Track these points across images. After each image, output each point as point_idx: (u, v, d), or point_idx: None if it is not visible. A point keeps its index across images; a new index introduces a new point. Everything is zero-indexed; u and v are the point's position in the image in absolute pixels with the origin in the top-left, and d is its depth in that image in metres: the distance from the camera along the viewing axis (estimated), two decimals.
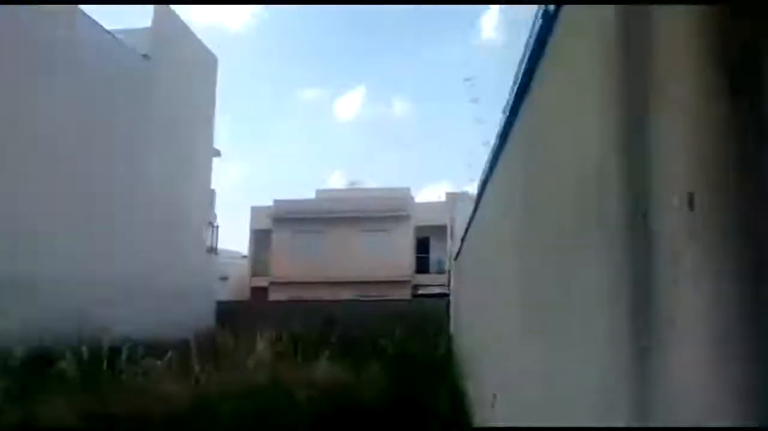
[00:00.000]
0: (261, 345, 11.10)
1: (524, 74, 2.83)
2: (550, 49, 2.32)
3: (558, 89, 2.19)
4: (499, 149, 4.34)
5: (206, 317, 20.47)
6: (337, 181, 58.58)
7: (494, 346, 4.51)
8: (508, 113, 3.62)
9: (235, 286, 30.88)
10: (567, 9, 2.01)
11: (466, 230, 9.17)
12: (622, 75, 1.39)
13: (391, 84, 55.65)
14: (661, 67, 1.14)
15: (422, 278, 29.40)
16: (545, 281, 2.28)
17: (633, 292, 1.28)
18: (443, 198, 34.16)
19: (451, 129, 56.52)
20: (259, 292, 29.58)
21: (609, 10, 1.47)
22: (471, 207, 13.74)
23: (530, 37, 4.25)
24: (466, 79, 6.37)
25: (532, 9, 2.59)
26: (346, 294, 25.12)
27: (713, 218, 0.93)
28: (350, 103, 60.08)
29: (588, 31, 1.75)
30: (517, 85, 3.37)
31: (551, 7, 2.24)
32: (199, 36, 22.46)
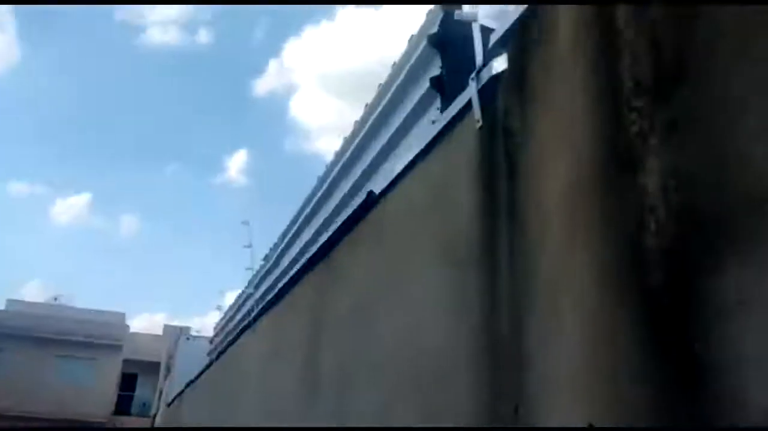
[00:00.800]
0: None
1: (333, 236, 2.83)
2: (379, 217, 2.30)
3: (390, 262, 2.13)
4: (270, 304, 4.20)
5: None
6: (34, 291, 50.09)
7: None
8: (293, 273, 3.57)
9: None
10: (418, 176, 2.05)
11: (197, 377, 8.44)
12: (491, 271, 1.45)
13: (122, 197, 51.64)
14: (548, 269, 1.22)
15: (121, 421, 25.74)
16: None
17: None
18: (160, 330, 31.56)
19: (179, 258, 53.96)
20: None
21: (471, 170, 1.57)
22: (200, 348, 12.86)
23: (305, 194, 4.35)
24: (243, 222, 6.04)
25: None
26: None
27: None
28: (71, 209, 53.94)
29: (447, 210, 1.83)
30: (302, 242, 3.38)
31: (374, 194, 2.33)
32: None
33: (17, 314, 26.28)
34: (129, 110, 48.52)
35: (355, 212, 2.46)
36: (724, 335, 0.80)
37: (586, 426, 1.00)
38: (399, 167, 2.87)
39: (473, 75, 1.60)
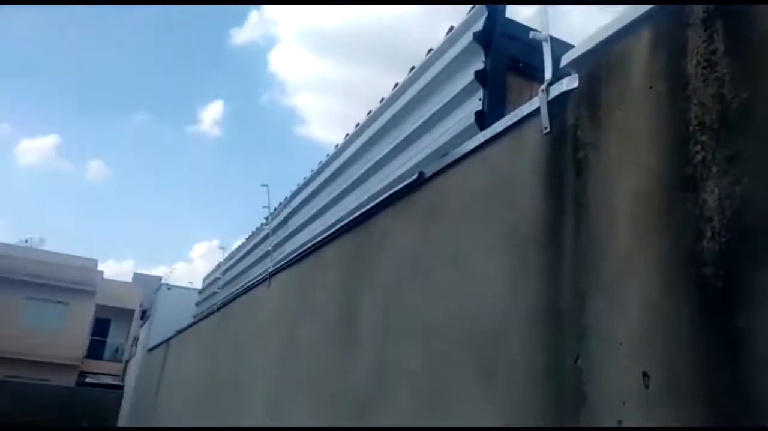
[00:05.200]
0: None
1: (376, 205, 3.13)
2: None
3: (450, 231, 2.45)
4: (289, 262, 4.50)
5: None
6: None
7: None
8: (326, 235, 3.86)
9: None
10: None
11: (190, 325, 8.76)
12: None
13: (91, 142, 50.91)
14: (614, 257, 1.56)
15: (93, 365, 26.03)
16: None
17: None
18: (128, 277, 31.67)
19: (146, 206, 53.78)
20: None
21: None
22: (180, 297, 13.13)
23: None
24: (264, 185, 6.26)
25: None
26: None
27: (665, 396, 1.32)
28: (37, 150, 52.98)
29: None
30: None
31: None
32: None
33: None
34: (103, 56, 47.38)
35: (405, 187, 2.77)
36: (758, 313, 1.15)
37: (641, 373, 1.36)
38: (429, 148, 3.20)
39: (543, 87, 1.91)
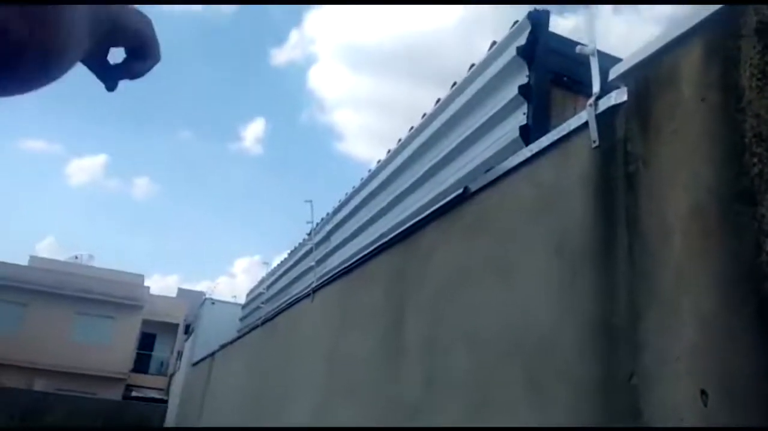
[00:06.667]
0: None
1: (420, 221, 3.16)
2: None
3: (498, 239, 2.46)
4: (333, 278, 4.55)
5: None
6: (49, 249, 51.41)
7: None
8: (371, 250, 3.90)
9: None
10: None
11: (235, 340, 8.89)
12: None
13: (138, 160, 52.72)
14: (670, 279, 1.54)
15: (139, 379, 26.66)
16: None
17: None
18: (172, 292, 32.44)
19: (191, 222, 55.24)
20: None
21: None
22: (224, 312, 13.36)
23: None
24: (307, 201, 6.38)
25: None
26: (42, 385, 21.47)
27: (724, 414, 1.29)
28: (86, 170, 55.14)
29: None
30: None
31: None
32: None
33: (40, 271, 27.01)
34: (147, 75, 48.91)
35: (450, 201, 2.79)
36: None
37: (699, 390, 1.34)
38: (473, 163, 3.22)
39: (591, 101, 1.92)
